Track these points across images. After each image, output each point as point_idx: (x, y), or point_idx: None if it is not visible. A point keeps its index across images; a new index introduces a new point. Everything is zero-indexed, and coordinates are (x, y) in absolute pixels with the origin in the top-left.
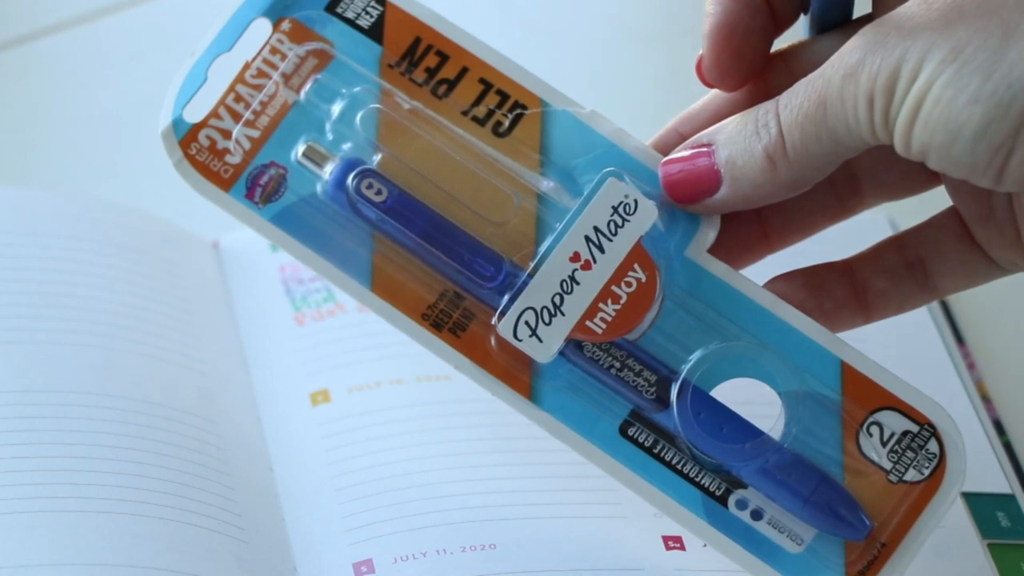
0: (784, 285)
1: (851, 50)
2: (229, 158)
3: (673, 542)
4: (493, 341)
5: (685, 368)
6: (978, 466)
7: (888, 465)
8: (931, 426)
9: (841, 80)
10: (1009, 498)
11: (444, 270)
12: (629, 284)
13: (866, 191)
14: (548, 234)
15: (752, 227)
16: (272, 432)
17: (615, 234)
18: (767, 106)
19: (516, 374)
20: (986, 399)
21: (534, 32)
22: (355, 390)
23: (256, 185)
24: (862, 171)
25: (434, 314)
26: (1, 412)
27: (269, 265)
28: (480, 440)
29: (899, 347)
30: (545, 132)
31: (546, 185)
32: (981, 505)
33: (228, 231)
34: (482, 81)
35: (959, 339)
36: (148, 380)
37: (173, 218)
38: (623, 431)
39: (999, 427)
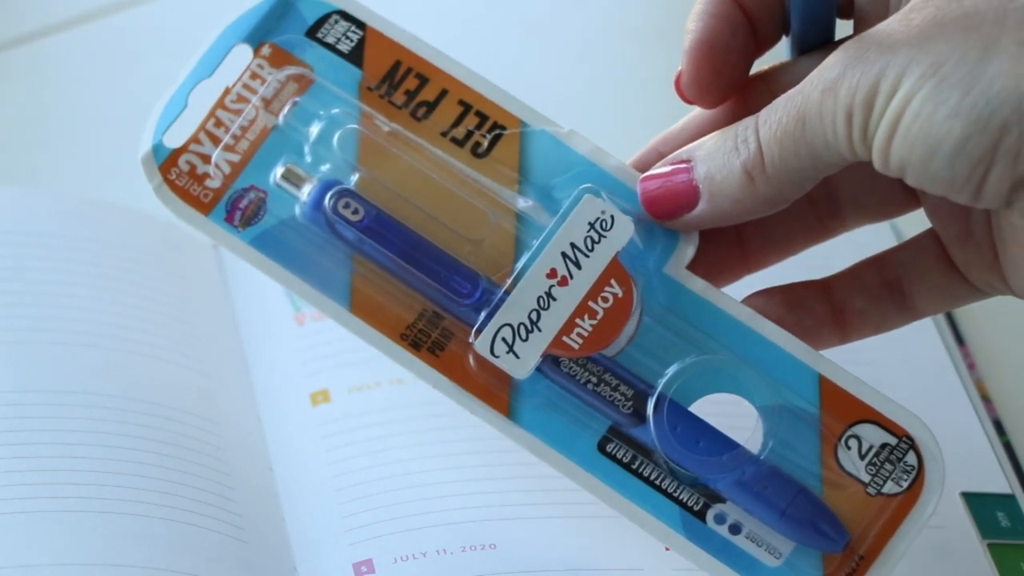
0: (763, 301)
1: (830, 65)
2: (209, 182)
3: None
4: (471, 360)
5: (661, 382)
6: (978, 466)
7: (866, 478)
8: (909, 438)
9: (820, 95)
10: (1009, 498)
11: (423, 289)
12: (606, 299)
13: (846, 213)
14: (526, 252)
15: (731, 246)
16: (272, 432)
17: (592, 250)
18: (747, 122)
19: (495, 392)
20: (986, 399)
21: (528, 31)
22: (355, 390)
23: (236, 209)
24: (842, 192)
25: (413, 334)
26: (1, 412)
27: None
28: (480, 440)
29: (899, 348)
30: (524, 152)
31: (524, 204)
32: (981, 505)
33: None
34: (461, 103)
35: (959, 339)
36: (148, 380)
37: (173, 219)
38: (601, 447)
39: (999, 427)
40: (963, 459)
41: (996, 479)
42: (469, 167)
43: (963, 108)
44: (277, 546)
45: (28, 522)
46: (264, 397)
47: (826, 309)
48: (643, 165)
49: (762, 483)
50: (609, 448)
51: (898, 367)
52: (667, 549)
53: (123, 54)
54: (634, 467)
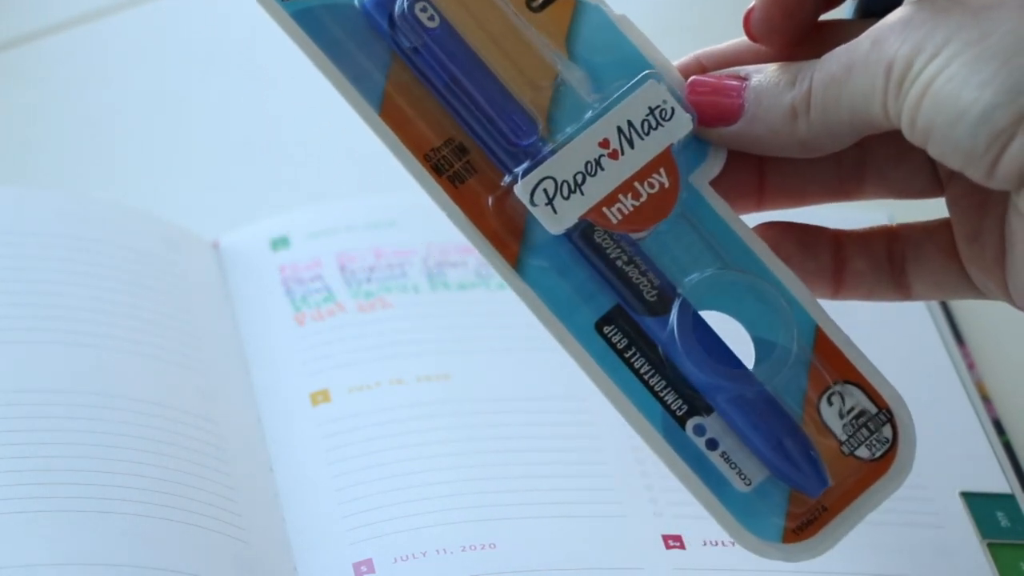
0: (778, 234)
1: (887, 22)
2: None
3: (673, 541)
4: (490, 202)
5: (690, 281)
6: (978, 466)
7: (843, 437)
8: (889, 412)
9: (870, 45)
10: (1009, 498)
11: (467, 117)
12: (652, 185)
13: (868, 180)
14: (563, 117)
15: (751, 178)
16: (272, 432)
17: (647, 134)
18: (809, 64)
19: (505, 241)
20: (986, 399)
21: None
22: (355, 390)
23: None
24: (870, 157)
25: (436, 158)
26: (1, 412)
27: (269, 265)
28: (480, 440)
29: (899, 347)
30: (575, 21)
31: (572, 70)
32: (981, 505)
33: (228, 231)
34: None
35: (959, 339)
36: (148, 380)
37: (173, 218)
38: (599, 327)
39: (999, 427)
40: (963, 459)
41: (996, 479)
42: (524, 17)
43: (998, 77)
44: (277, 546)
45: (28, 522)
46: (264, 397)
47: (830, 260)
48: (683, 70)
49: (759, 408)
50: (606, 330)
51: (898, 367)
52: (669, 548)
53: (123, 54)
54: (626, 355)
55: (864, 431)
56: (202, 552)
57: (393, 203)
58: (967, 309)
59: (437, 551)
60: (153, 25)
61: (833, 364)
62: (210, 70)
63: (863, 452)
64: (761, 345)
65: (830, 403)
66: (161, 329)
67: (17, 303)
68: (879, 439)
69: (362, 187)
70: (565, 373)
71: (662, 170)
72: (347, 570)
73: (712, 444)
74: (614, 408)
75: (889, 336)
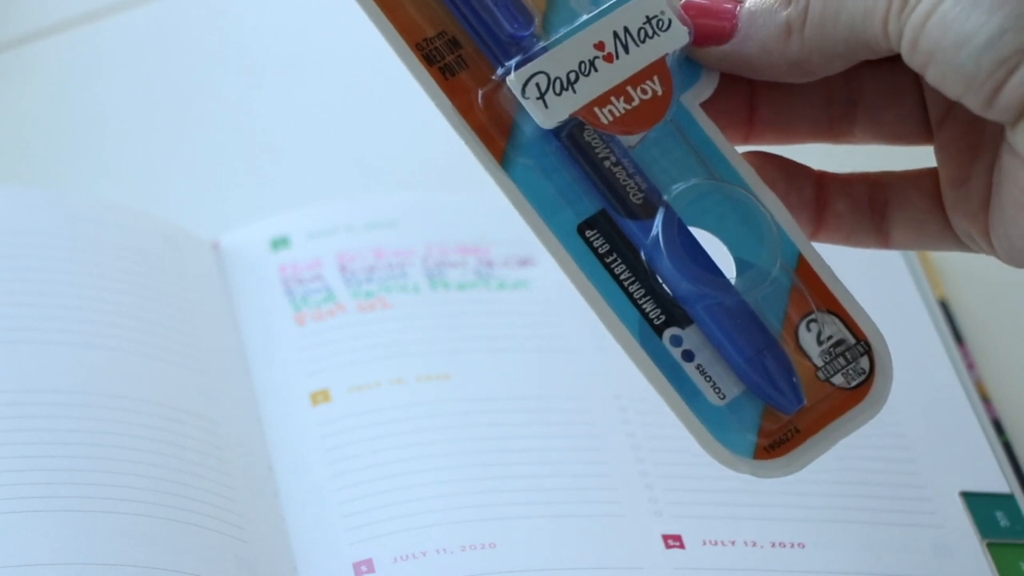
0: (762, 161)
1: None
2: None
3: (673, 540)
4: (479, 97)
5: (676, 188)
6: (977, 466)
7: (819, 362)
8: (867, 344)
9: None
10: (1008, 498)
11: (462, 8)
12: (645, 92)
13: (858, 121)
14: (558, 21)
15: (741, 108)
16: (272, 432)
17: (643, 41)
18: None
19: (492, 136)
20: (986, 399)
21: None
22: (355, 390)
23: None
24: (862, 97)
25: (429, 48)
26: (1, 412)
27: (269, 265)
28: (480, 440)
29: (899, 347)
30: None
31: None
32: (980, 505)
33: (228, 231)
34: None
35: (959, 339)
36: (148, 380)
37: (173, 218)
38: (580, 230)
39: (998, 427)
40: (962, 459)
41: (995, 479)
42: None
43: (1009, 3)
44: (277, 546)
45: (28, 521)
46: (264, 397)
47: (812, 197)
48: None
49: (739, 320)
50: (588, 234)
51: (898, 367)
52: (668, 548)
53: (123, 54)
54: (607, 260)
55: (841, 360)
56: (202, 552)
57: (393, 203)
58: (967, 309)
59: (437, 551)
60: (153, 26)
61: (813, 292)
62: (210, 70)
63: (839, 380)
64: (743, 266)
65: (808, 329)
66: (161, 329)
67: (17, 303)
68: (856, 369)
69: (362, 187)
70: (565, 373)
71: (656, 78)
72: (347, 570)
73: (688, 356)
74: (592, 310)
75: (889, 336)
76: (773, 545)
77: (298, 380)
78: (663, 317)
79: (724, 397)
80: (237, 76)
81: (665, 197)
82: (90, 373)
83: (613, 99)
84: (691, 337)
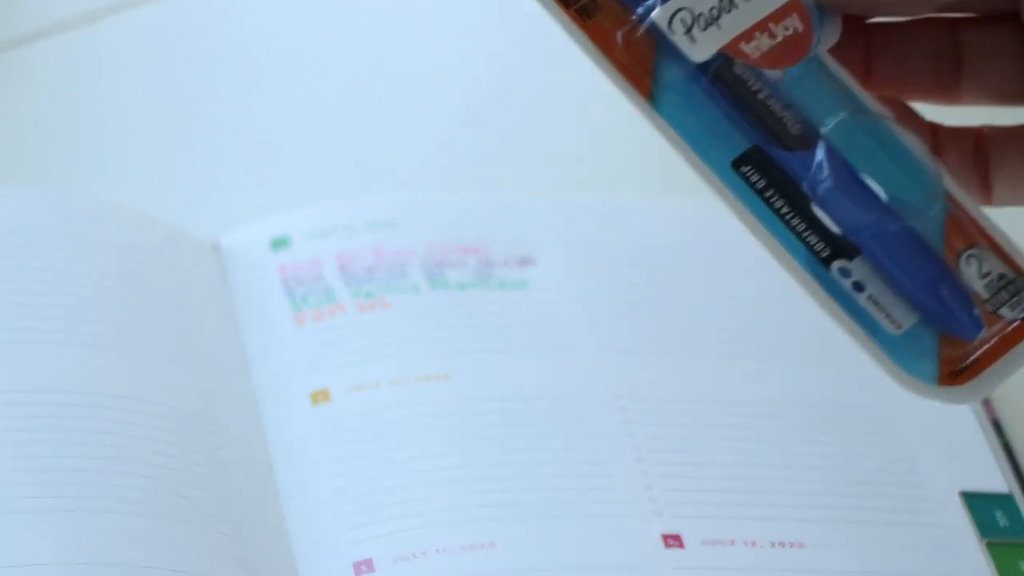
0: (888, 104)
1: None
2: None
3: (672, 540)
4: (619, 37)
5: (834, 120)
6: (977, 466)
7: (985, 295)
8: None
9: None
10: (1007, 498)
11: None
12: (787, 28)
13: (964, 78)
14: None
15: (857, 59)
16: (272, 432)
17: None
18: None
19: (638, 75)
20: (985, 399)
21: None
22: (355, 390)
23: None
24: (967, 52)
25: None
26: (1, 412)
27: (269, 265)
28: (480, 440)
29: None
30: None
31: None
32: (979, 504)
33: (228, 231)
34: None
35: None
36: (148, 380)
37: (173, 218)
38: (735, 166)
39: (998, 427)
40: (962, 459)
41: (995, 479)
42: None
43: None
44: (277, 546)
45: (29, 521)
46: (264, 397)
47: (928, 142)
48: None
49: (910, 247)
50: (743, 169)
51: None
52: (668, 547)
53: (123, 54)
54: (766, 195)
55: (1004, 293)
56: (202, 552)
57: (393, 203)
58: None
59: (437, 551)
60: (153, 26)
61: (966, 229)
62: (210, 70)
63: (1006, 312)
64: (895, 203)
65: (968, 263)
66: (161, 329)
67: (17, 303)
68: (1021, 301)
69: (362, 187)
70: (565, 373)
71: (795, 15)
72: (347, 570)
73: (858, 287)
74: (760, 244)
75: None
76: (773, 545)
77: (298, 380)
78: (828, 249)
79: (900, 327)
80: (237, 76)
81: (830, 127)
82: (90, 373)
83: (757, 34)
84: (859, 268)
